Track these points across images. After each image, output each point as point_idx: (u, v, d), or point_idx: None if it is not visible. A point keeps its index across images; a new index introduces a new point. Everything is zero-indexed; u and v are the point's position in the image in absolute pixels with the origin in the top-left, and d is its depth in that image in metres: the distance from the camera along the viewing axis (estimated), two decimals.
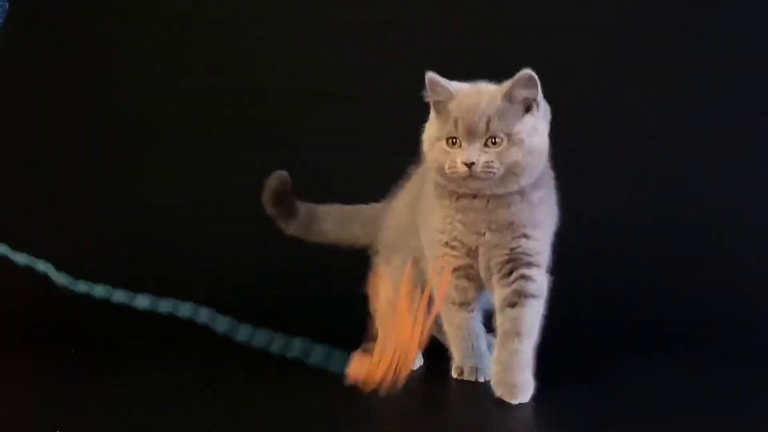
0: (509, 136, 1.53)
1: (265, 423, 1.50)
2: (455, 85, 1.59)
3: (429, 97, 1.59)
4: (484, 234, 1.61)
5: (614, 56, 2.35)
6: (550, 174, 1.65)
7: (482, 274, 1.67)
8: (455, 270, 1.66)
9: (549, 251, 1.68)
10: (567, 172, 1.70)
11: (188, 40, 2.40)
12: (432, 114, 1.62)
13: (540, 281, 1.64)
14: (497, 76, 1.62)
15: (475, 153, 1.52)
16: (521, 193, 1.58)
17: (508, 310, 1.62)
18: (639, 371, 1.82)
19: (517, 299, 1.62)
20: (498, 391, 1.58)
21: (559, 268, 1.70)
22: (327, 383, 1.36)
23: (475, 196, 1.59)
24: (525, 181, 1.56)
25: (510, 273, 1.62)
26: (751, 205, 2.33)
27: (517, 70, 1.55)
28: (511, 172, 1.54)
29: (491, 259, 1.64)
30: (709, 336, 2.04)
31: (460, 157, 1.53)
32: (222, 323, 1.29)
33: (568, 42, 2.35)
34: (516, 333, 1.59)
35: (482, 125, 1.52)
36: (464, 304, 1.71)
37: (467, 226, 1.61)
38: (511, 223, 1.59)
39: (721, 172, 2.34)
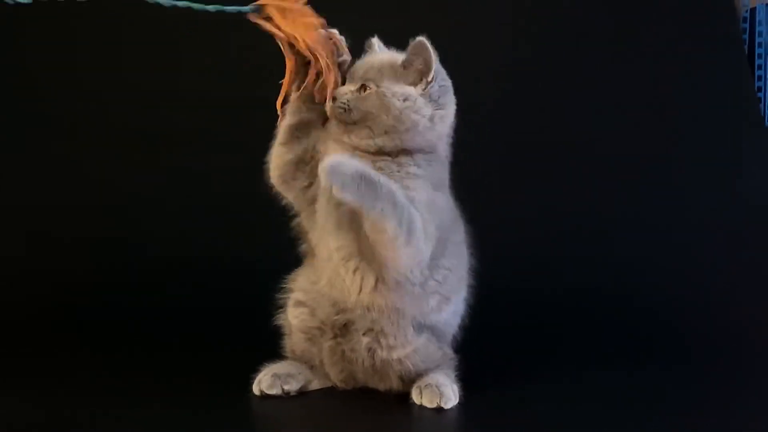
0: (377, 88, 1.54)
1: None
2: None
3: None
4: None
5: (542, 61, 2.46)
6: None
7: None
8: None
9: None
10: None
11: (180, 42, 2.44)
12: None
13: None
14: None
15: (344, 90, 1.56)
16: None
17: None
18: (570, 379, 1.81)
19: None
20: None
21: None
22: None
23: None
24: (377, 138, 1.54)
25: None
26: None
27: None
28: (364, 120, 1.53)
29: None
30: (635, 342, 2.06)
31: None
32: None
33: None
34: None
35: (360, 72, 1.57)
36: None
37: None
38: None
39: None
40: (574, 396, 1.69)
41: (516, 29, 2.51)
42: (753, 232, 2.41)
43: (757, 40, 2.75)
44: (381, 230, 1.45)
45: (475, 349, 1.68)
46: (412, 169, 1.54)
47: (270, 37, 1.54)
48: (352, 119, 1.53)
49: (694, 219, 2.41)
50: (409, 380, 1.59)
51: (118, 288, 2.23)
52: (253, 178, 1.62)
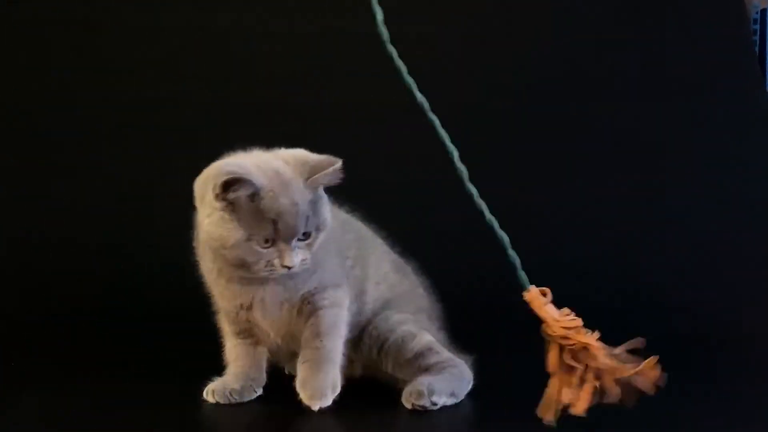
0: (317, 227, 1.49)
1: None
2: (255, 175, 1.43)
3: (225, 198, 1.43)
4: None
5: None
6: None
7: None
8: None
9: (338, 264, 1.63)
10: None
11: (182, 50, 2.45)
12: (221, 213, 1.44)
13: (333, 296, 1.59)
14: None
15: (295, 256, 1.46)
16: None
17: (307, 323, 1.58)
18: None
19: (312, 310, 1.58)
20: (301, 394, 1.52)
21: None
22: None
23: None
24: None
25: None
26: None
27: None
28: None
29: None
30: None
31: (278, 260, 1.45)
32: None
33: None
34: (317, 333, 1.56)
35: (301, 227, 1.45)
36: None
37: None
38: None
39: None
40: None
41: (522, 30, 2.50)
42: (753, 232, 2.41)
43: None
44: None
45: (475, 351, 1.70)
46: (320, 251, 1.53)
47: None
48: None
49: (694, 219, 2.41)
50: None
51: (114, 289, 2.24)
52: None
